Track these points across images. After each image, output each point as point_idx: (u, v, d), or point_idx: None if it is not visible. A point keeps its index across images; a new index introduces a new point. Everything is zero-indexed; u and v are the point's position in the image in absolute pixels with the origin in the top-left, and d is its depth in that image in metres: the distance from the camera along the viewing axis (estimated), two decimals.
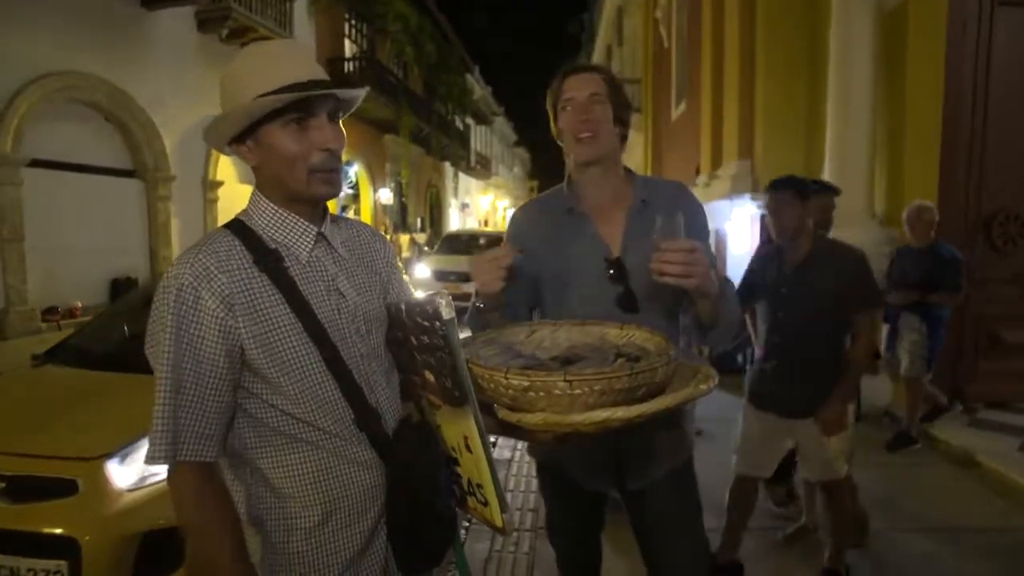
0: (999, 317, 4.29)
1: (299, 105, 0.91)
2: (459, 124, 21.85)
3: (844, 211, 4.66)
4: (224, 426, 0.93)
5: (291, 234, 0.98)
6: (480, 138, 28.92)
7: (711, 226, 1.53)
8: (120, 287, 9.05)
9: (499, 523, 0.99)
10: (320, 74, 0.94)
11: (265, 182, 0.98)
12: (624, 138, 1.36)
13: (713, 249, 1.39)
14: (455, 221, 24.44)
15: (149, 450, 0.87)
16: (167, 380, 0.87)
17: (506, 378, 0.93)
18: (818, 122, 5.11)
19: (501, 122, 34.48)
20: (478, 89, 25.13)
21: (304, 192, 0.95)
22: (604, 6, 19.33)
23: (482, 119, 26.85)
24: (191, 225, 9.82)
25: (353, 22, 14.50)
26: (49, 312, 7.90)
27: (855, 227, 4.53)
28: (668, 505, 1.40)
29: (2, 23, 6.80)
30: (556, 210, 1.38)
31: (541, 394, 0.91)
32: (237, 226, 0.97)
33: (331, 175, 0.96)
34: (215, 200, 10.36)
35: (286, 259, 0.96)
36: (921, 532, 2.78)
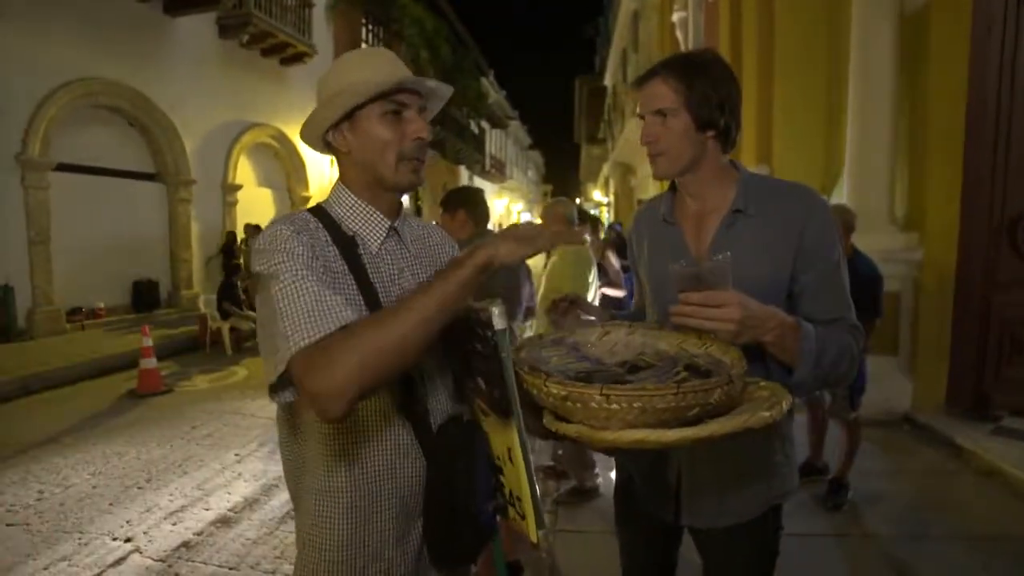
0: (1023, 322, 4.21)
1: (396, 98, 0.99)
2: (474, 128, 21.91)
3: (864, 216, 4.64)
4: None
5: (366, 225, 1.03)
6: (495, 142, 28.98)
7: None
8: (141, 289, 9.19)
9: (534, 538, 1.00)
10: (411, 75, 1.03)
11: (351, 171, 1.04)
12: (723, 137, 1.19)
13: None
14: None
15: (292, 345, 0.82)
16: (292, 277, 0.87)
17: (545, 385, 0.89)
18: (838, 125, 5.06)
19: (515, 126, 34.52)
20: (493, 93, 25.19)
21: (391, 178, 1.01)
22: (619, 10, 19.29)
23: (497, 123, 26.89)
24: (210, 228, 9.94)
25: (370, 27, 14.64)
26: (73, 313, 8.05)
27: (875, 232, 4.48)
28: (726, 565, 1.29)
29: (30, 31, 6.96)
30: (656, 216, 1.34)
31: (578, 405, 0.86)
32: (317, 210, 1.03)
33: (417, 164, 1.02)
34: (234, 203, 10.48)
35: (360, 246, 1.01)
36: (945, 541, 2.74)
